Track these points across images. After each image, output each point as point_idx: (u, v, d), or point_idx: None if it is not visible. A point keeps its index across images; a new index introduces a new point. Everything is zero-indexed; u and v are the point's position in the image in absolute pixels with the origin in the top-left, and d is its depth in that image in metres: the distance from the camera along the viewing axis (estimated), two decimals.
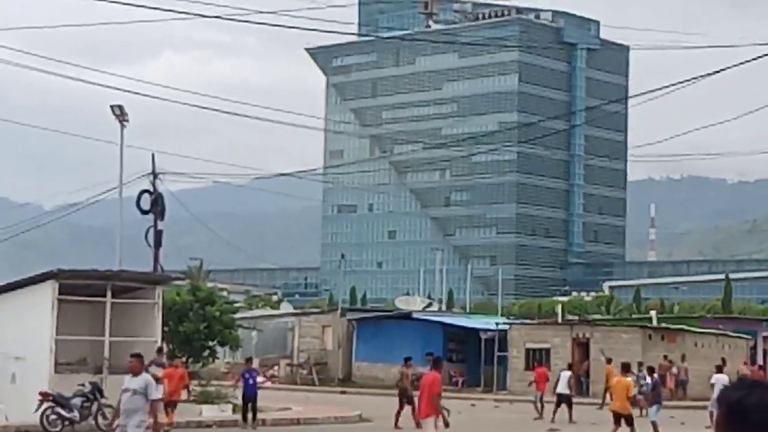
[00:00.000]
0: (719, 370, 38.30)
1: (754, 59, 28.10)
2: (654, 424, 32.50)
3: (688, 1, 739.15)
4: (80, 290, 35.00)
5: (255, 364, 68.95)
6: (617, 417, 29.29)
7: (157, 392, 21.27)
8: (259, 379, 62.91)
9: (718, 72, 29.82)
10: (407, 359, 40.00)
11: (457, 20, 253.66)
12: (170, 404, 32.92)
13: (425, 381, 23.29)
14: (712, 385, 35.93)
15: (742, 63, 28.08)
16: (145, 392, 20.09)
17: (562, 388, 41.30)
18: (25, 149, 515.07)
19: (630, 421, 29.26)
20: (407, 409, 36.25)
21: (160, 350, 38.77)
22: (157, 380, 34.57)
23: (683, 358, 56.19)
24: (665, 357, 55.45)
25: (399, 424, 36.30)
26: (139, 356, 21.14)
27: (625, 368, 30.90)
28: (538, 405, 42.71)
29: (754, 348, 61.17)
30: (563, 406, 40.81)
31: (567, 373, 42.37)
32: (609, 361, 46.99)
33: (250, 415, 34.88)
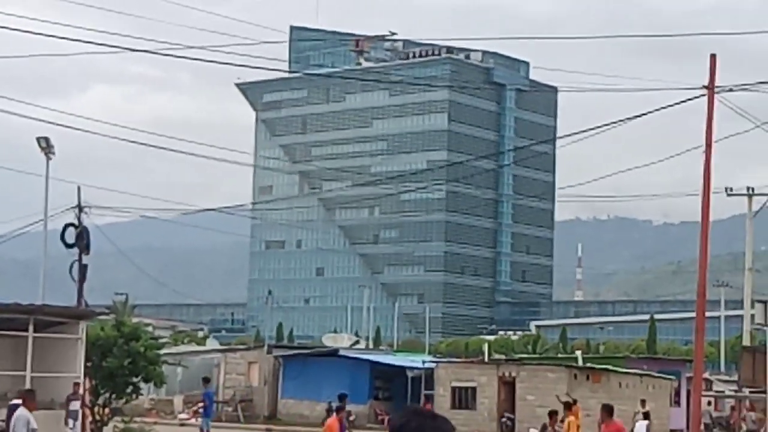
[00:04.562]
0: None
1: (678, 103, 28.63)
2: None
3: (616, 48, 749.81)
4: (2, 324, 34.51)
5: (179, 400, 68.71)
6: None
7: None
8: (183, 416, 62.41)
9: (643, 115, 30.33)
10: (555, 412, 36.34)
11: (387, 58, 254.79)
12: None
13: None
14: None
15: (667, 106, 28.64)
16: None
17: None
18: None
19: None
20: None
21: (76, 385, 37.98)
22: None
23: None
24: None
25: None
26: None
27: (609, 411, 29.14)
28: None
29: (678, 389, 61.56)
30: None
31: (644, 422, 39.92)
32: (574, 401, 46.11)
33: None
